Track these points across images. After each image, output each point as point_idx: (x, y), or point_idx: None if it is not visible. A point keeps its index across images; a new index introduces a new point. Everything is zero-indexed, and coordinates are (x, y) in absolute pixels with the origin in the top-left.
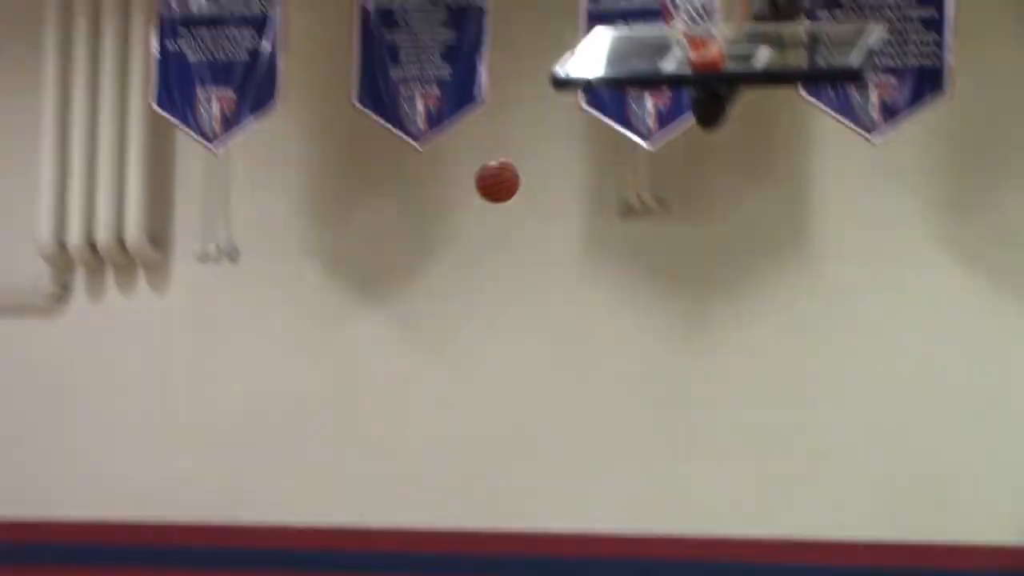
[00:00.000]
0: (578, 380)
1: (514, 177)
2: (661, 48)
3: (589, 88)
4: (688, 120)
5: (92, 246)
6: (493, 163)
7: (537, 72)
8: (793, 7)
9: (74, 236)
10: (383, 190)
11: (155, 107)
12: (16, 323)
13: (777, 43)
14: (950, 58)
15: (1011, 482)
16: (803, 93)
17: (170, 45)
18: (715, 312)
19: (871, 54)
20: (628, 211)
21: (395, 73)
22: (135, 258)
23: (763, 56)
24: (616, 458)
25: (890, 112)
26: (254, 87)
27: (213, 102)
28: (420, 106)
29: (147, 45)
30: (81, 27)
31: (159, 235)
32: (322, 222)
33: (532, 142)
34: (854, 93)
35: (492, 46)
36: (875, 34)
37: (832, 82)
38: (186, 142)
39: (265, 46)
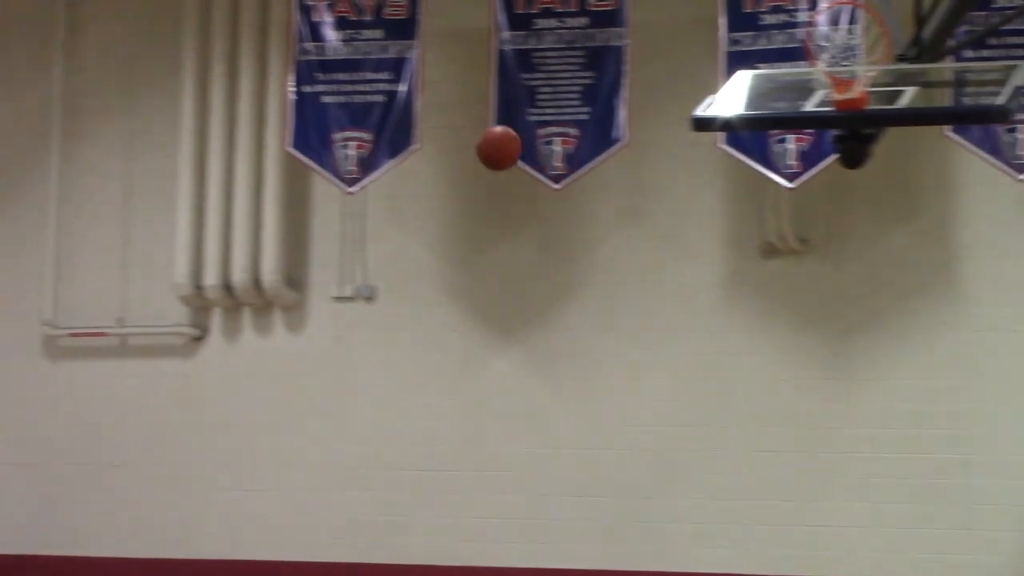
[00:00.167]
0: (718, 420)
1: (514, 142)
2: (803, 88)
3: (729, 128)
4: (830, 159)
5: (228, 288)
6: (498, 128)
7: (676, 112)
8: (938, 46)
9: (211, 278)
10: (520, 230)
11: (290, 150)
12: (154, 363)
13: (922, 82)
14: None
15: None
16: (949, 132)
17: (306, 88)
18: (858, 352)
19: (1019, 93)
20: (770, 251)
21: (532, 114)
22: (271, 299)
23: (907, 95)
24: (755, 499)
25: None
26: (391, 129)
27: (350, 145)
28: (558, 147)
29: (283, 88)
30: (218, 71)
31: (295, 276)
32: (458, 262)
33: (672, 182)
34: (1001, 132)
35: (630, 87)
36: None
37: (978, 121)
38: (323, 183)
39: (402, 88)
